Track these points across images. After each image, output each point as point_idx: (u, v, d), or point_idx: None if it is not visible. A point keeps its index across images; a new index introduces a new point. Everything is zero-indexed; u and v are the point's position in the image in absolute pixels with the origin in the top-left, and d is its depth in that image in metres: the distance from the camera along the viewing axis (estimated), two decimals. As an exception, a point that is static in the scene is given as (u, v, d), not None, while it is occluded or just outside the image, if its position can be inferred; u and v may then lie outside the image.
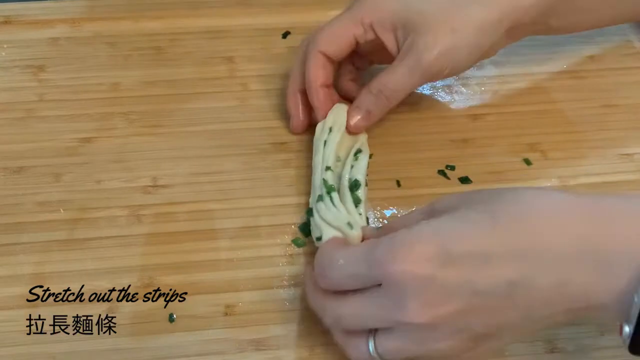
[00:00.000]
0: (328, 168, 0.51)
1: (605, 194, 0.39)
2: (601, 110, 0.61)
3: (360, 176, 0.51)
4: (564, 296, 0.36)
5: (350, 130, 0.54)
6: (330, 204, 0.48)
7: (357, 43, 0.54)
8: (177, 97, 0.62)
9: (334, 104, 0.55)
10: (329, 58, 0.54)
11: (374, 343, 0.39)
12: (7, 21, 0.68)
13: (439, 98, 0.62)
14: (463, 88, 0.63)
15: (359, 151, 0.53)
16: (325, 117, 0.54)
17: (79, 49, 0.65)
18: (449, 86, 0.63)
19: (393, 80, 0.52)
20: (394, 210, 0.53)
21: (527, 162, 0.57)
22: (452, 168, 0.56)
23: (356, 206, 0.48)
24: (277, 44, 0.67)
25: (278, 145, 0.58)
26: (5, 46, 0.65)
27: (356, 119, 0.53)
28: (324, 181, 0.50)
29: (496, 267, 0.36)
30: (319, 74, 0.54)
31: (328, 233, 0.46)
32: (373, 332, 0.39)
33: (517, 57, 0.66)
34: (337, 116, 0.54)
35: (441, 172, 0.56)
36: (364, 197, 0.50)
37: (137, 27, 0.67)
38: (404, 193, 0.55)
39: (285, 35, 0.67)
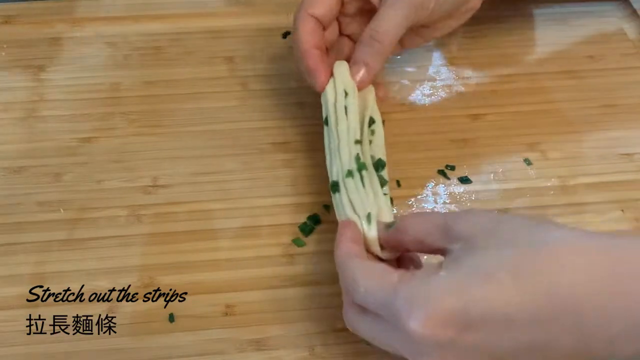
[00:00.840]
0: (358, 141, 0.49)
1: (633, 238, 0.37)
2: (601, 110, 0.61)
3: (382, 153, 0.50)
4: (586, 352, 0.34)
5: (358, 87, 0.52)
6: (360, 185, 0.46)
7: (343, 2, 0.55)
8: (177, 97, 0.62)
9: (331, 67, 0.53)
10: (318, 20, 0.54)
11: None
12: (7, 21, 0.68)
13: (439, 98, 0.62)
14: (463, 88, 0.63)
15: (372, 121, 0.52)
16: (326, 80, 0.52)
17: (79, 49, 0.66)
18: (449, 86, 0.63)
19: (381, 22, 0.52)
20: (394, 211, 0.53)
21: (527, 162, 0.57)
22: (452, 168, 0.56)
23: (382, 187, 0.47)
24: (277, 44, 0.67)
25: (278, 145, 0.58)
26: (5, 46, 0.65)
27: (359, 74, 0.52)
28: (357, 157, 0.48)
29: (518, 330, 0.34)
30: (309, 36, 0.53)
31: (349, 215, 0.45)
32: None
33: (517, 57, 0.66)
34: (343, 76, 0.52)
35: (441, 172, 0.56)
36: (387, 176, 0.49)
37: (137, 27, 0.67)
38: (404, 193, 0.55)
39: (285, 35, 0.67)
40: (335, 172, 0.48)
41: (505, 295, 0.34)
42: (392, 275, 0.38)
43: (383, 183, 0.48)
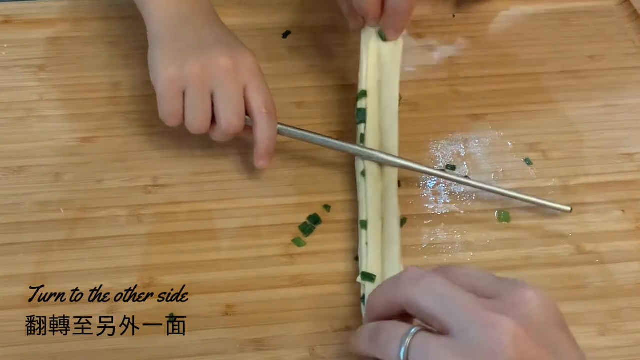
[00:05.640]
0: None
1: None
2: (601, 110, 0.61)
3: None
4: None
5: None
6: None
7: None
8: (177, 97, 0.61)
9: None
10: None
11: None
12: (7, 21, 0.68)
13: (439, 98, 0.62)
14: (463, 88, 0.63)
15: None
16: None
17: (79, 49, 0.65)
18: (449, 86, 0.63)
19: None
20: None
21: (528, 161, 0.57)
22: (453, 168, 0.56)
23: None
24: (277, 44, 0.67)
25: (278, 144, 0.57)
26: (5, 46, 0.65)
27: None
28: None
29: None
30: None
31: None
32: None
33: (518, 57, 0.66)
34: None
35: (441, 172, 0.56)
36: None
37: (137, 27, 0.67)
38: (404, 193, 0.54)
39: (285, 35, 0.67)
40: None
41: None
42: None
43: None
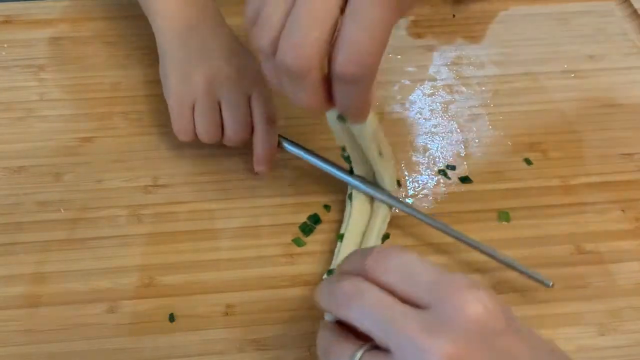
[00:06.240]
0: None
1: None
2: (601, 110, 0.61)
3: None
4: None
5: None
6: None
7: None
8: (177, 96, 0.61)
9: None
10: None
11: None
12: (7, 21, 0.68)
13: (439, 98, 0.62)
14: (463, 88, 0.63)
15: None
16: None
17: (79, 49, 0.66)
18: (449, 86, 0.63)
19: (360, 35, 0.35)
20: (396, 210, 0.53)
21: (528, 161, 0.57)
22: (453, 168, 0.56)
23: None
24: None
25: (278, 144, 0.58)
26: (5, 46, 0.66)
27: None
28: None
29: None
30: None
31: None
32: None
33: (518, 57, 0.66)
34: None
35: (441, 172, 0.56)
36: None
37: (137, 27, 0.67)
38: (405, 193, 0.54)
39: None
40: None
41: None
42: None
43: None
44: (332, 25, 0.35)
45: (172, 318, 0.47)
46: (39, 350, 0.45)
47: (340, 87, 0.37)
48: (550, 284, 0.46)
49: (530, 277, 0.47)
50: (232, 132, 0.53)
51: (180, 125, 0.53)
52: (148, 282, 0.49)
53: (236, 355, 0.45)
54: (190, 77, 0.52)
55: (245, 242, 0.51)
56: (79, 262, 0.50)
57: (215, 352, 0.46)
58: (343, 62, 0.35)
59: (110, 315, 0.47)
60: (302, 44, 0.35)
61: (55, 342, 0.46)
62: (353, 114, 0.40)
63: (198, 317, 0.47)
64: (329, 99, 0.38)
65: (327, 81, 0.37)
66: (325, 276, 0.46)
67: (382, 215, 0.50)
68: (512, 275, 0.49)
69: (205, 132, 0.53)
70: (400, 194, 0.54)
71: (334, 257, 0.49)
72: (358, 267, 0.36)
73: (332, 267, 0.47)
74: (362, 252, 0.37)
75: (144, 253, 0.51)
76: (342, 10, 0.35)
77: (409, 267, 0.34)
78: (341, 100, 0.38)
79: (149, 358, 0.45)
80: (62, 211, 0.53)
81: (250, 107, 0.53)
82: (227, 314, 0.47)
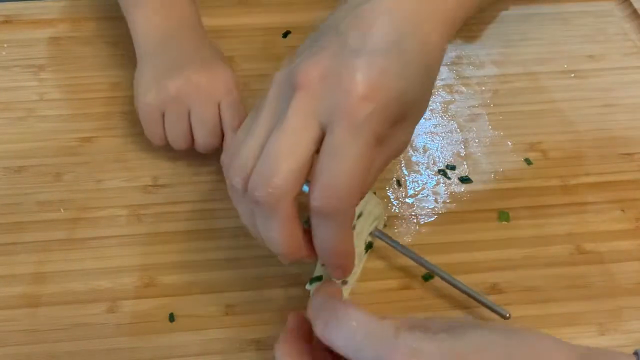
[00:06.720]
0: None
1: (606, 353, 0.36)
2: (601, 110, 0.61)
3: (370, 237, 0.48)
4: None
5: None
6: None
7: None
8: (177, 96, 0.61)
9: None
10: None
11: None
12: (7, 21, 0.68)
13: (439, 98, 0.62)
14: (463, 88, 0.63)
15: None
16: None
17: (79, 49, 0.66)
18: (449, 86, 0.63)
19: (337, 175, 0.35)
20: (396, 210, 0.53)
21: (528, 161, 0.57)
22: (453, 168, 0.56)
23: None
24: (277, 44, 0.67)
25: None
26: (5, 46, 0.66)
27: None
28: None
29: None
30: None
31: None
32: None
33: (518, 57, 0.66)
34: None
35: (441, 172, 0.56)
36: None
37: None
38: (405, 193, 0.54)
39: (285, 35, 0.67)
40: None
41: None
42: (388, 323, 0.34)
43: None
44: (305, 158, 0.35)
45: (172, 318, 0.47)
46: (39, 350, 0.45)
47: (317, 222, 0.36)
48: (507, 315, 0.45)
49: (489, 308, 0.46)
50: (202, 140, 0.53)
51: (150, 133, 0.55)
52: (148, 282, 0.49)
53: (236, 355, 0.45)
54: (160, 89, 0.53)
55: (245, 242, 0.51)
56: (79, 262, 0.50)
57: (215, 352, 0.46)
58: (318, 196, 0.35)
59: (110, 315, 0.47)
60: (271, 175, 0.35)
61: (55, 342, 0.46)
62: (334, 263, 0.39)
63: (198, 317, 0.47)
64: (310, 248, 0.38)
65: (308, 233, 0.38)
66: (308, 286, 0.45)
67: (370, 224, 0.49)
68: (512, 275, 0.49)
69: (174, 141, 0.54)
70: (401, 193, 0.54)
71: (317, 264, 0.47)
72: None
73: (315, 274, 0.46)
74: (316, 305, 0.36)
75: (144, 253, 0.51)
76: (319, 144, 0.35)
77: (354, 341, 0.33)
78: (320, 241, 0.37)
79: (149, 358, 0.45)
80: (62, 211, 0.53)
81: (219, 114, 0.53)
82: (227, 314, 0.47)
